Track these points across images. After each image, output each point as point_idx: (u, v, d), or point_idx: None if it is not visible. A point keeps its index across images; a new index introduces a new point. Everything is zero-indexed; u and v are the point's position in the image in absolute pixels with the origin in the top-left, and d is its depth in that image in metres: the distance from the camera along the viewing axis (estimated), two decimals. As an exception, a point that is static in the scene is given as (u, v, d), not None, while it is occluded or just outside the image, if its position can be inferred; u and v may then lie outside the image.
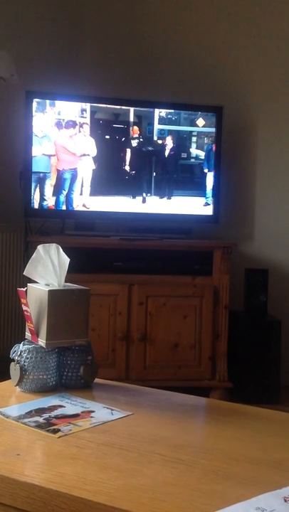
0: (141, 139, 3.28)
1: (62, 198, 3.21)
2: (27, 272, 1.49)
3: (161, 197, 3.33)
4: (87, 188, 3.24)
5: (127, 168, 3.30)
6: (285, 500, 0.88)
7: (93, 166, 3.24)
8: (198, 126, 3.37)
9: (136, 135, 3.28)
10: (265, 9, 3.58)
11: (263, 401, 2.97)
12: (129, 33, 3.77)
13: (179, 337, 3.12)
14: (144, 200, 3.31)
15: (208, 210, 3.37)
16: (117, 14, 3.80)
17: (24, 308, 1.46)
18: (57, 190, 3.20)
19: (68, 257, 1.47)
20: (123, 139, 3.29)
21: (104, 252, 3.17)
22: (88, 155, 3.23)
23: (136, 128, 3.30)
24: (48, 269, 1.47)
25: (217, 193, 3.37)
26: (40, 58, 3.58)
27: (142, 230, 3.29)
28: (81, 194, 3.24)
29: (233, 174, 3.61)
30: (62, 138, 3.20)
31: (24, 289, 1.46)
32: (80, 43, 3.81)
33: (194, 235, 3.37)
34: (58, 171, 3.20)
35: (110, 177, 3.30)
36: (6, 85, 3.12)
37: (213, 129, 3.36)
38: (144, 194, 3.31)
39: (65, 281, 1.48)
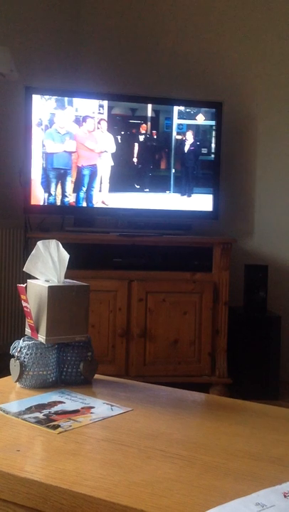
0: (148, 135, 3.27)
1: (82, 194, 3.22)
2: (27, 268, 1.49)
3: (182, 194, 3.33)
4: (105, 185, 3.24)
5: (146, 164, 3.30)
6: (285, 496, 0.88)
7: (112, 163, 3.24)
8: (197, 121, 3.37)
9: (143, 131, 3.28)
10: (265, 5, 3.57)
11: (262, 397, 2.97)
12: (129, 29, 3.77)
13: (178, 333, 3.12)
14: (163, 198, 3.32)
15: (208, 206, 3.36)
16: (117, 9, 3.79)
17: (24, 304, 1.46)
18: (77, 187, 3.21)
19: (68, 253, 1.47)
20: (140, 135, 3.28)
21: (103, 248, 3.17)
22: (106, 151, 3.24)
23: (144, 125, 3.29)
24: (47, 265, 1.47)
25: (216, 189, 3.37)
26: (40, 54, 3.58)
27: (141, 226, 3.29)
28: (100, 191, 3.24)
29: (233, 170, 3.61)
30: (81, 134, 3.20)
31: (24, 285, 1.46)
32: (80, 38, 3.80)
33: (194, 231, 3.37)
34: (78, 167, 3.21)
35: (129, 174, 3.30)
36: (5, 81, 3.12)
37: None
38: (167, 191, 3.32)
39: (65, 277, 1.48)
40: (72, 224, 3.30)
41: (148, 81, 3.67)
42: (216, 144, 3.36)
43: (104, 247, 3.17)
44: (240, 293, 3.34)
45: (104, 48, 3.79)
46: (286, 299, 3.52)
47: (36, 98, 3.14)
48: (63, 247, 1.48)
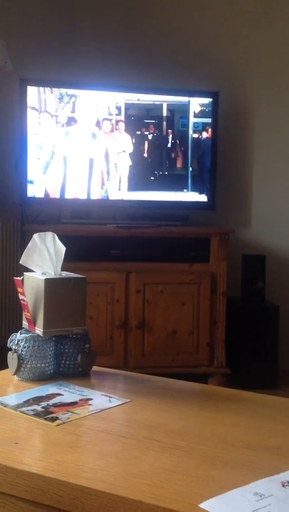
0: (155, 134, 3.30)
1: (102, 193, 3.27)
2: (23, 260, 1.49)
3: (200, 193, 3.36)
4: (124, 184, 3.29)
5: (163, 163, 3.34)
6: (283, 485, 0.88)
7: (130, 162, 3.29)
8: (194, 112, 3.36)
9: (158, 130, 3.31)
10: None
11: (261, 387, 2.98)
12: (125, 20, 3.74)
13: (176, 324, 3.12)
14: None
15: (205, 197, 3.36)
16: (114, 0, 3.76)
17: (21, 297, 1.46)
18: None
19: (64, 245, 1.46)
20: (155, 134, 3.32)
21: (100, 240, 3.16)
22: (125, 151, 3.28)
23: (160, 124, 3.33)
24: (44, 257, 1.46)
25: (213, 179, 3.37)
26: (35, 45, 3.55)
27: (138, 218, 3.29)
28: (119, 190, 3.28)
29: (230, 160, 3.60)
30: (102, 135, 3.26)
31: (20, 278, 1.46)
32: (76, 29, 3.78)
33: (191, 222, 3.36)
34: None
35: (147, 173, 3.34)
36: (-1, 73, 3.10)
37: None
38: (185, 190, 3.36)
39: (62, 269, 1.47)
40: (68, 216, 3.29)
41: (145, 71, 3.65)
42: (212, 133, 3.35)
43: (101, 239, 3.16)
44: (238, 283, 3.34)
45: (101, 38, 3.76)
46: (284, 289, 3.52)
47: (52, 98, 3.16)
48: (60, 239, 1.47)
